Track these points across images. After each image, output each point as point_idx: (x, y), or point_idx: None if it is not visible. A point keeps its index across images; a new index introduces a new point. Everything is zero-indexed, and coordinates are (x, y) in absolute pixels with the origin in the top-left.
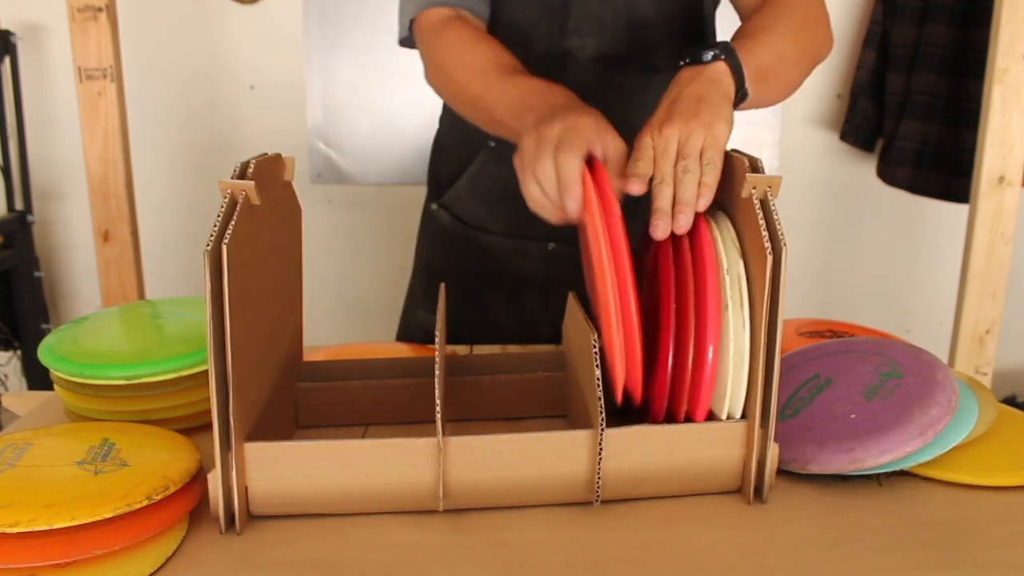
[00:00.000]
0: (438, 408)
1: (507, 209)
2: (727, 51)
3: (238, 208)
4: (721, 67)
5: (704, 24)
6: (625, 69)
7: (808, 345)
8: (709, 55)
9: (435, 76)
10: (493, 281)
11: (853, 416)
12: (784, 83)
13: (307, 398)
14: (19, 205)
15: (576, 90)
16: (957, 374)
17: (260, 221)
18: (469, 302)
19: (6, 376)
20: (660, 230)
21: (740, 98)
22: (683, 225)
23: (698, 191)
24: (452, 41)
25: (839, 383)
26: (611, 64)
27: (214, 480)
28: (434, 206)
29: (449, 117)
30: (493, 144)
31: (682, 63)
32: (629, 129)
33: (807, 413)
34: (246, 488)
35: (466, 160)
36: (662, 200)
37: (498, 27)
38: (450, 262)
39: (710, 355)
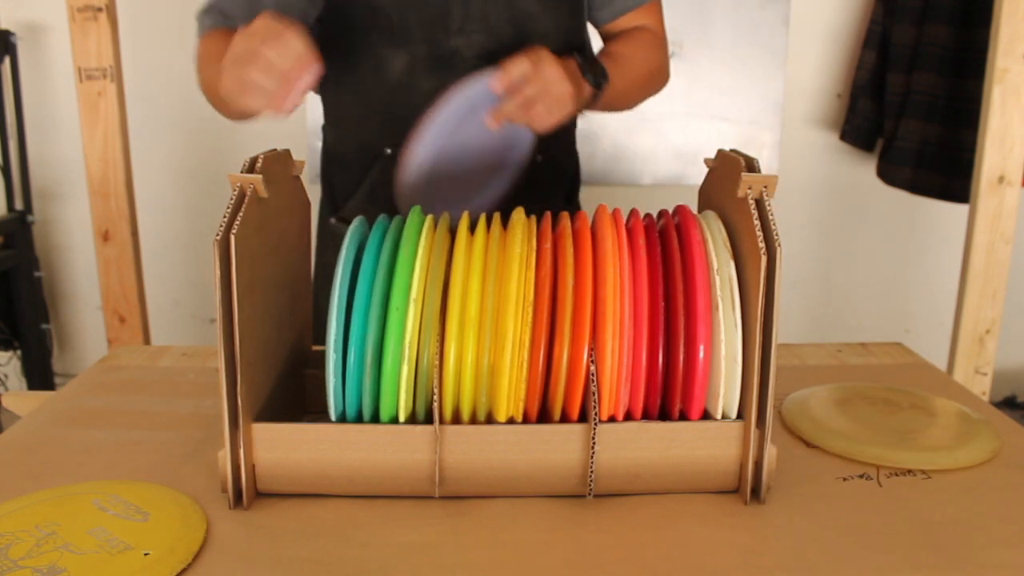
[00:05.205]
0: (435, 396)
1: None
2: (599, 85)
3: (246, 200)
4: (588, 89)
5: (583, 13)
6: None
7: None
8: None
9: (200, 78)
10: None
11: None
12: (625, 106)
13: (316, 385)
14: (19, 205)
15: None
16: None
17: (268, 213)
18: None
19: (6, 376)
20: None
21: (583, 107)
22: None
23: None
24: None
25: None
26: (498, 61)
27: (223, 457)
28: (333, 221)
29: (338, 128)
30: (389, 151)
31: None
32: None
33: None
34: (253, 466)
35: (362, 170)
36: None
37: (379, 31)
38: None
39: (701, 354)
